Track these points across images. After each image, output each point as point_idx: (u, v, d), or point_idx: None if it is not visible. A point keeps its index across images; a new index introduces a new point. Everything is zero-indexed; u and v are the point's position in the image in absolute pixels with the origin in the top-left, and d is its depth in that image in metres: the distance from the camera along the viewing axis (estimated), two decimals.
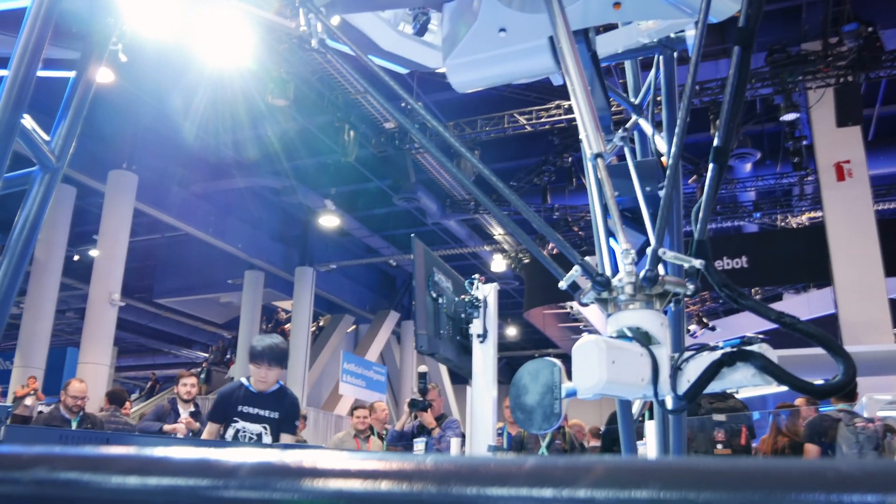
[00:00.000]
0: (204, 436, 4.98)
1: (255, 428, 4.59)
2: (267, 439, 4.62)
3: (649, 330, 1.91)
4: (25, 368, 13.92)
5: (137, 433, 6.76)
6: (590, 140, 2.16)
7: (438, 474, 0.51)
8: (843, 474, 0.47)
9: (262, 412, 4.62)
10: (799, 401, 7.61)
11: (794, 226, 17.93)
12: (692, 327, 20.63)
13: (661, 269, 2.02)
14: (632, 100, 3.68)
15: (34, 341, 14.65)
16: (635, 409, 3.86)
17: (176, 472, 0.56)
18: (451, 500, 0.50)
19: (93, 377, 13.02)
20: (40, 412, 9.30)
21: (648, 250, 2.03)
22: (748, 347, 1.78)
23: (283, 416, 4.70)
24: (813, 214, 17.25)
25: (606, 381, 1.74)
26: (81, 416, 7.07)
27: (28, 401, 11.24)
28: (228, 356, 23.33)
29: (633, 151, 3.68)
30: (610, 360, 1.75)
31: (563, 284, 2.17)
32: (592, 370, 1.74)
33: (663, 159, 3.44)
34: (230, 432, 4.58)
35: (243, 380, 4.80)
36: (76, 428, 6.85)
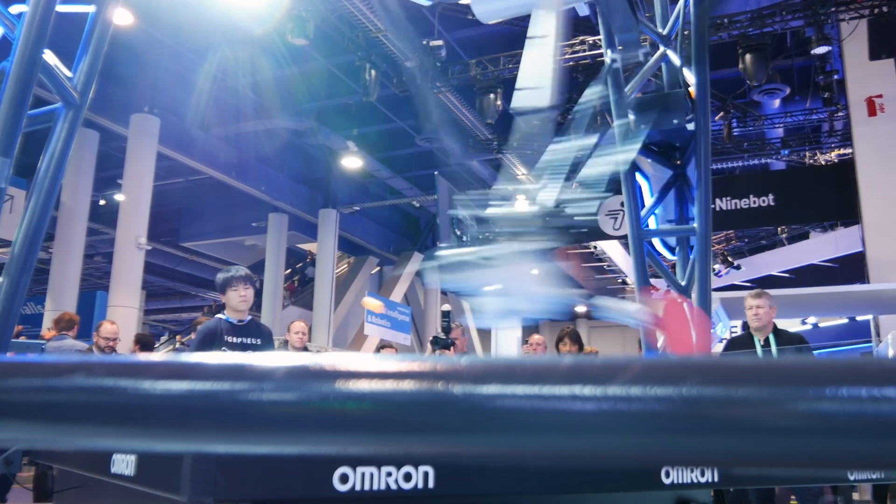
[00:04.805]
0: None
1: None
2: None
3: None
4: (56, 312, 14.05)
5: None
6: None
7: (473, 374, 0.51)
8: (886, 368, 0.46)
9: (245, 340, 4.66)
10: None
11: (823, 163, 17.61)
12: (717, 266, 20.46)
13: None
14: (659, 30, 3.60)
15: (64, 286, 14.88)
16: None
17: (213, 376, 0.56)
18: (484, 398, 0.50)
19: (123, 320, 13.23)
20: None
21: None
22: None
23: (265, 343, 4.75)
24: (842, 151, 16.91)
25: None
26: None
27: None
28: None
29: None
30: None
31: None
32: None
33: (691, 91, 3.37)
34: None
35: (219, 315, 4.79)
36: None
